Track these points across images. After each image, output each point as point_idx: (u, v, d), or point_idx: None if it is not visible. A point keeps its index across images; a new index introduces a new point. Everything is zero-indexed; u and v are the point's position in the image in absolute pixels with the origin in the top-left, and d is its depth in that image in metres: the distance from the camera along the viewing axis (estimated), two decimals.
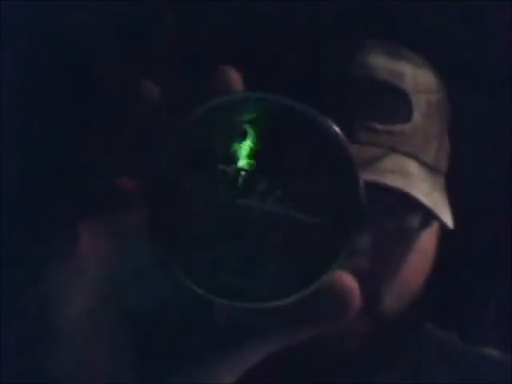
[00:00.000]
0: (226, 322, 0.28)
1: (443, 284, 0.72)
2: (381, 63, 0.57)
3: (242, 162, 0.26)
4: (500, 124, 0.72)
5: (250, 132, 0.26)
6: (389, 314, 0.57)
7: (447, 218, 0.56)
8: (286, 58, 0.59)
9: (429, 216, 0.56)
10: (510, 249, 0.73)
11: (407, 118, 0.56)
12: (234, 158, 0.26)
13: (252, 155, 0.26)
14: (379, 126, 0.55)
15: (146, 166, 0.26)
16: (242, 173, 0.26)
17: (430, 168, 0.57)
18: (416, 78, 0.58)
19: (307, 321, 0.28)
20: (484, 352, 0.64)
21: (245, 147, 0.26)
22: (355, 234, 0.26)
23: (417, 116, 0.57)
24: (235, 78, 0.27)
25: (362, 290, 0.54)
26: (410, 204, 0.54)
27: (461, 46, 0.69)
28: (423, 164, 0.57)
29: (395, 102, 0.56)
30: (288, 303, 0.26)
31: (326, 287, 0.27)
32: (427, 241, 0.58)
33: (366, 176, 0.52)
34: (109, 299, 0.28)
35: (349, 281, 0.27)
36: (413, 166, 0.56)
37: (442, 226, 0.58)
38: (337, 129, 0.26)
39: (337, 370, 0.57)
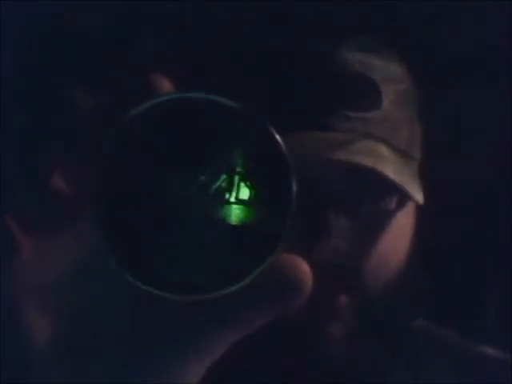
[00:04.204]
0: (179, 315, 0.28)
1: (442, 282, 0.72)
2: (353, 57, 0.61)
3: (180, 159, 0.27)
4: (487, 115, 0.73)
5: (186, 130, 0.27)
6: (372, 294, 0.59)
7: (418, 195, 0.59)
8: (261, 54, 0.62)
9: (403, 197, 0.59)
10: (510, 246, 0.73)
11: (378, 105, 0.60)
12: (170, 156, 0.27)
13: (189, 151, 0.27)
14: (352, 114, 0.59)
15: (87, 166, 0.27)
16: (180, 168, 0.27)
17: (402, 152, 0.60)
18: (385, 69, 0.62)
19: (261, 305, 0.28)
20: (484, 350, 0.64)
21: (182, 145, 0.27)
22: (291, 219, 0.27)
23: (386, 103, 0.60)
24: (166, 85, 0.28)
25: (341, 269, 0.56)
26: (383, 187, 0.58)
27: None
28: (394, 148, 0.60)
29: (366, 91, 0.60)
30: (233, 291, 0.26)
31: (276, 271, 0.27)
32: (403, 220, 0.61)
33: (339, 156, 0.56)
34: (61, 302, 0.28)
35: (298, 263, 0.28)
36: (384, 149, 0.59)
37: (419, 206, 0.61)
38: (267, 121, 0.27)
39: (333, 371, 0.58)
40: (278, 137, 0.27)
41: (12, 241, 0.27)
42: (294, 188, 0.27)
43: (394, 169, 0.58)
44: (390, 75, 0.62)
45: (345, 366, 0.59)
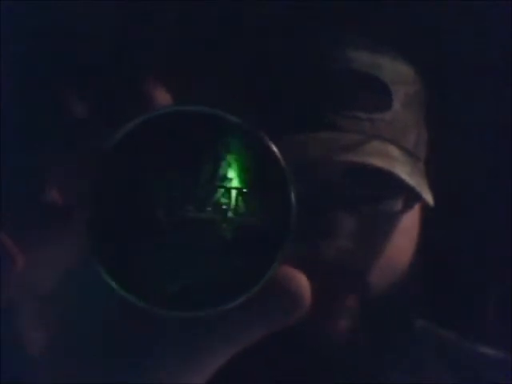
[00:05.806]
0: (176, 329, 0.28)
1: (443, 282, 0.72)
2: (360, 56, 0.60)
3: (176, 174, 0.26)
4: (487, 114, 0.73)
5: (181, 143, 0.26)
6: (376, 294, 0.59)
7: (428, 197, 0.59)
8: (266, 56, 0.61)
9: (410, 199, 0.59)
10: (510, 246, 0.73)
11: (387, 106, 0.59)
12: (166, 170, 0.26)
13: (185, 165, 0.26)
14: (361, 114, 0.58)
15: (81, 178, 0.27)
16: (177, 184, 0.26)
17: (410, 153, 0.60)
18: (394, 70, 0.61)
19: (261, 322, 0.28)
20: (484, 350, 0.64)
21: (177, 158, 0.26)
22: (291, 230, 0.26)
23: (396, 105, 0.60)
24: (162, 94, 0.28)
25: (346, 269, 0.56)
26: (392, 188, 0.58)
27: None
28: (403, 149, 0.59)
29: (376, 91, 0.59)
30: (233, 307, 0.26)
31: (275, 285, 0.27)
32: (410, 222, 0.61)
33: (351, 158, 0.55)
34: (55, 311, 0.28)
35: (297, 276, 0.28)
36: (394, 151, 0.58)
37: (426, 207, 0.60)
38: (264, 136, 0.26)
39: (334, 371, 0.58)
40: (275, 148, 0.26)
41: (5, 254, 0.27)
42: (293, 199, 0.26)
43: (405, 170, 0.57)
44: (399, 77, 0.61)
45: (345, 366, 0.59)
